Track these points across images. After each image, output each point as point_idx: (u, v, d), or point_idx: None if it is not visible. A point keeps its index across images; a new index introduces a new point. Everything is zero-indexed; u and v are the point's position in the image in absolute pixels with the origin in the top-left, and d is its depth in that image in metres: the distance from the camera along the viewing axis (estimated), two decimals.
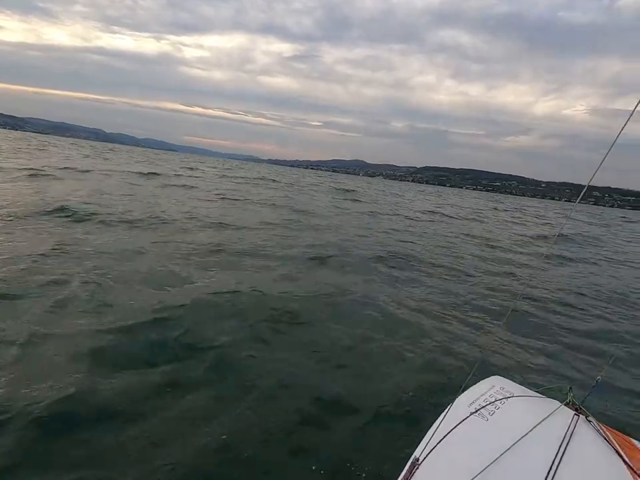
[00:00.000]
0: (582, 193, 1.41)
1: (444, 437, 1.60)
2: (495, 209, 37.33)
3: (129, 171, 23.07)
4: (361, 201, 24.82)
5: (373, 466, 2.41)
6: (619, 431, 1.75)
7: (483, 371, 2.28)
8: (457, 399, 1.87)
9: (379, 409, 3.01)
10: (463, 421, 1.71)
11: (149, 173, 23.89)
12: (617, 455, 1.53)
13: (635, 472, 1.43)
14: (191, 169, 38.38)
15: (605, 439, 1.63)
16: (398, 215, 19.41)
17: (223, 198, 16.70)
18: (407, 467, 1.46)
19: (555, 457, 1.47)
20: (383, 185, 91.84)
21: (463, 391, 1.94)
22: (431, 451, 1.53)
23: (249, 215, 12.75)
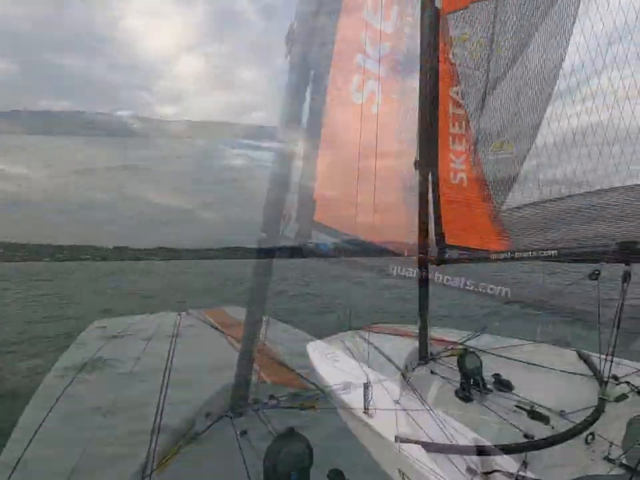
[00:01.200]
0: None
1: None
2: None
3: None
4: None
5: None
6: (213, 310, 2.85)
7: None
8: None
9: None
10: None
11: None
12: (213, 328, 2.38)
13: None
14: None
15: (202, 320, 2.49)
16: None
17: None
18: None
19: (169, 348, 2.20)
20: None
21: None
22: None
23: None
